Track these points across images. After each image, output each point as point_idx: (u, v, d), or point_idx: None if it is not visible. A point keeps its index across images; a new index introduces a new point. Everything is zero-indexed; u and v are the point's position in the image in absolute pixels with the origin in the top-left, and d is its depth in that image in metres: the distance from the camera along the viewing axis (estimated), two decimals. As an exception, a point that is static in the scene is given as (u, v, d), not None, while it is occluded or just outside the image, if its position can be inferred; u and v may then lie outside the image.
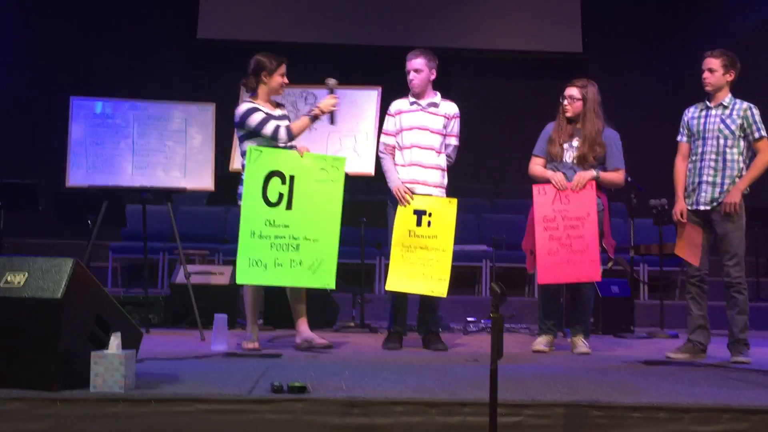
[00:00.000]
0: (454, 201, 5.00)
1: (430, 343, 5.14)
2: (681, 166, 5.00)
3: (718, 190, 4.81)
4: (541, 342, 5.12)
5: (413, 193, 5.04)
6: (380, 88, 6.05)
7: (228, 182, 7.05)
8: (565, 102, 5.13)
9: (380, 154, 5.26)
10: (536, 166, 5.22)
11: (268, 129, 4.80)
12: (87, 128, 5.81)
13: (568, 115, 5.13)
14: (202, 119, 5.93)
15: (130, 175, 5.80)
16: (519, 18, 10.68)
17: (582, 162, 5.05)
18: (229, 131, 6.18)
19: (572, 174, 5.04)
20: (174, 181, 5.82)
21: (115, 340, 3.14)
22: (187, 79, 9.94)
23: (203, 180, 5.88)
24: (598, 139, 5.05)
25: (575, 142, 5.10)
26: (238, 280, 4.68)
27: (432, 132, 5.12)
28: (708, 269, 4.93)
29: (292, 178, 4.67)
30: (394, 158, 5.17)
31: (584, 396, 3.25)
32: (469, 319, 6.66)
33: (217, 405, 3.05)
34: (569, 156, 5.10)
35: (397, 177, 5.09)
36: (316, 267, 4.64)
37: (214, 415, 3.04)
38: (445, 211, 4.96)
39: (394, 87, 5.45)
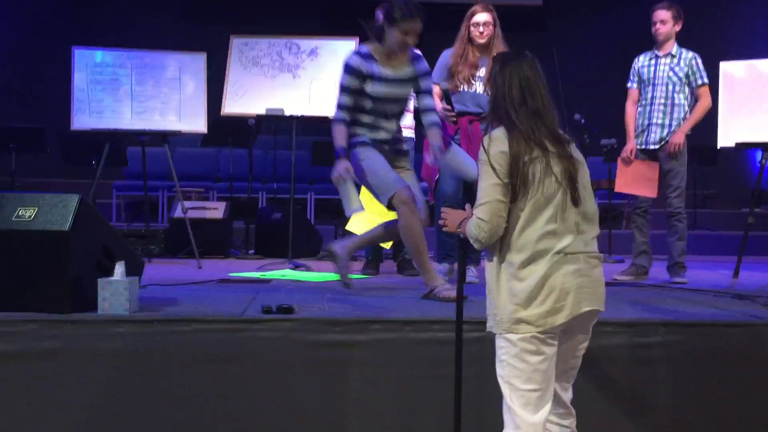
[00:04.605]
0: None
1: (403, 269, 5.17)
2: (631, 110, 4.99)
3: (666, 131, 4.83)
4: (441, 270, 4.53)
5: None
6: (357, 38, 5.95)
7: (220, 126, 7.00)
8: (481, 29, 4.49)
9: None
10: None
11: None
12: (88, 76, 5.70)
13: (482, 41, 4.49)
14: (195, 67, 5.83)
15: (129, 119, 5.71)
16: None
17: None
18: (220, 79, 6.11)
19: (485, 102, 4.34)
20: (170, 124, 5.75)
21: (119, 268, 3.13)
22: (180, 31, 9.71)
23: (197, 123, 5.81)
24: None
25: (481, 72, 4.52)
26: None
27: None
28: (651, 201, 4.97)
29: None
30: None
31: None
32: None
33: (214, 324, 3.07)
34: (479, 87, 4.53)
35: None
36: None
37: (211, 333, 3.05)
38: None
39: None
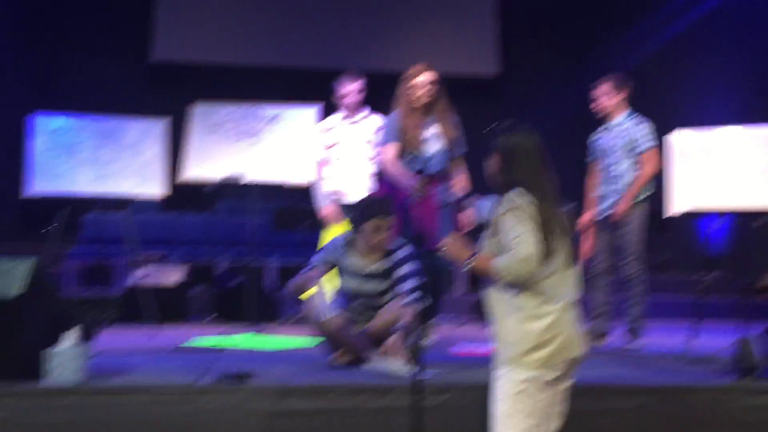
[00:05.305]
0: None
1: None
2: (588, 184, 5.10)
3: (608, 201, 4.91)
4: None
5: (344, 203, 5.02)
6: (319, 105, 6.02)
7: (180, 191, 6.97)
8: (427, 89, 4.54)
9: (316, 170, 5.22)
10: (395, 159, 4.51)
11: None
12: (46, 141, 5.65)
13: (427, 100, 4.54)
14: (156, 133, 5.81)
15: (87, 184, 5.65)
16: (440, 43, 10.69)
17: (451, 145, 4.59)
18: (180, 145, 6.10)
19: (443, 160, 4.57)
20: (129, 189, 5.70)
21: (69, 336, 3.06)
22: (141, 97, 9.74)
23: (157, 188, 5.77)
24: (453, 120, 4.64)
25: (433, 129, 4.57)
26: None
27: (364, 143, 5.12)
28: (612, 265, 4.99)
29: None
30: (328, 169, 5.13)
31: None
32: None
33: (165, 395, 3.00)
34: (433, 146, 4.58)
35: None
36: None
37: (163, 405, 2.99)
38: None
39: (330, 105, 5.43)
